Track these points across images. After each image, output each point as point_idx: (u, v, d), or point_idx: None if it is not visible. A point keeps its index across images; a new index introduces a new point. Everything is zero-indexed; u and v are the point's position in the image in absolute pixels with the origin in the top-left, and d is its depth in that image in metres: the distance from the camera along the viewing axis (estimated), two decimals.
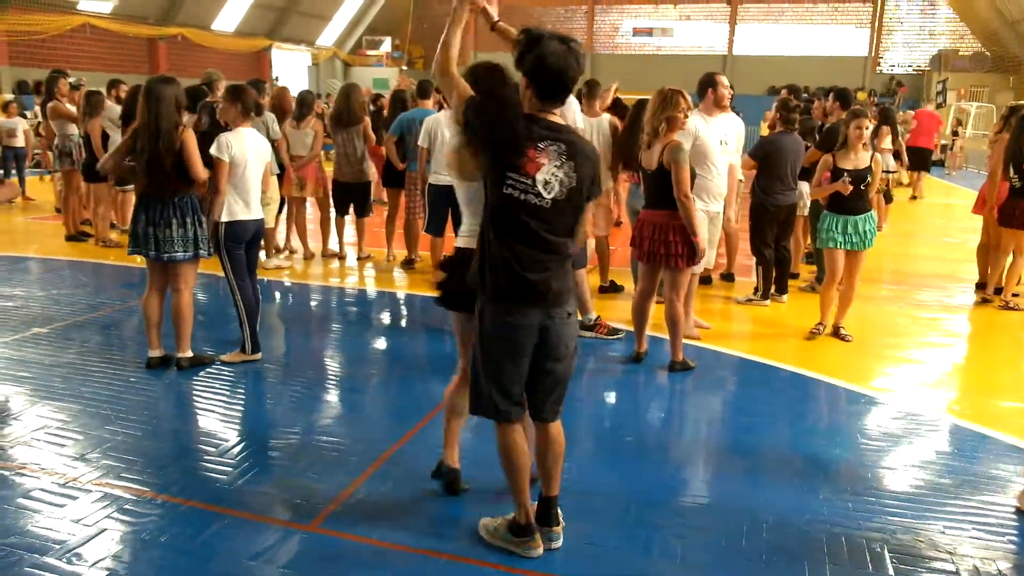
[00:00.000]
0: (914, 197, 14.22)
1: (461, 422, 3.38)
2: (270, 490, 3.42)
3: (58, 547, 2.95)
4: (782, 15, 32.12)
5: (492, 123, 2.73)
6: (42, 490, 3.37)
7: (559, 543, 3.01)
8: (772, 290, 6.65)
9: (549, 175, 2.70)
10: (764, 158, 6.35)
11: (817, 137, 7.13)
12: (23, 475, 3.50)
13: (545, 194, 2.70)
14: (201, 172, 4.58)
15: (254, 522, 3.16)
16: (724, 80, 5.82)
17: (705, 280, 7.21)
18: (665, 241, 4.72)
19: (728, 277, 7.46)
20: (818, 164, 5.71)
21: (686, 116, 4.68)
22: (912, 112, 16.02)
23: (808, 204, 7.12)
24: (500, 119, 2.73)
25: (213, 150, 4.68)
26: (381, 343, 5.70)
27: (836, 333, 5.74)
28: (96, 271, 7.65)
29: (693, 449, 4.09)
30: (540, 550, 2.96)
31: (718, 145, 5.60)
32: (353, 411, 4.53)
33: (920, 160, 13.94)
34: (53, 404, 4.33)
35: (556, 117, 2.79)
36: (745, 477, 3.73)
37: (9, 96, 15.69)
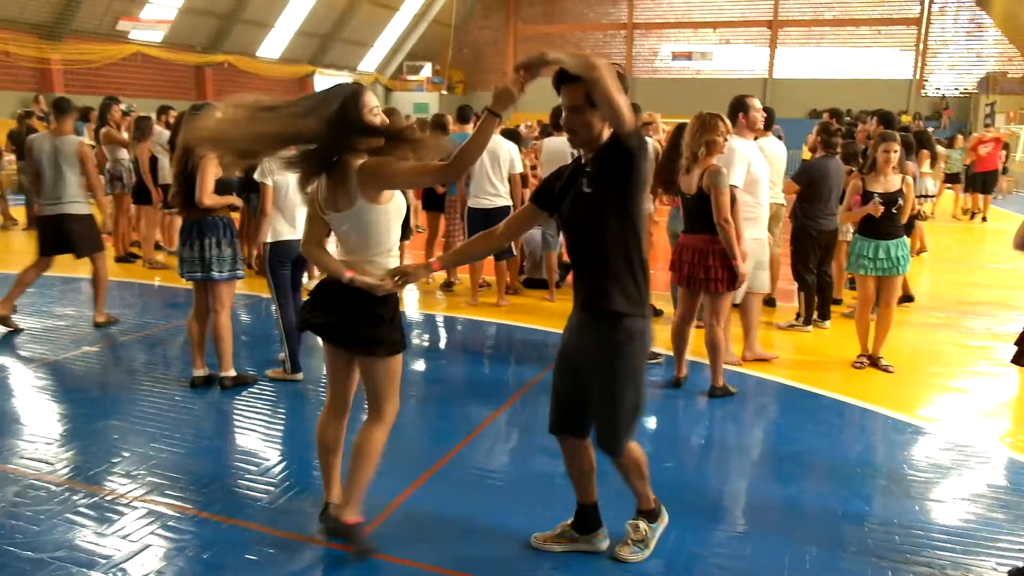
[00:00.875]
0: (984, 219, 14.37)
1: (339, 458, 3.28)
2: (309, 509, 3.44)
3: (104, 562, 3.00)
4: (823, 38, 31.88)
5: None
6: (90, 506, 3.44)
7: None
8: (814, 316, 6.55)
9: None
10: (808, 183, 6.28)
11: (861, 161, 7.03)
12: (72, 491, 3.58)
13: None
14: (205, 197, 4.63)
15: (294, 541, 3.18)
16: (755, 103, 5.76)
17: (769, 303, 7.16)
18: (705, 266, 4.69)
19: (770, 302, 7.36)
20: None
21: (725, 140, 4.67)
22: (976, 135, 15.86)
23: (852, 230, 7.02)
24: None
25: (257, 175, 4.81)
26: (420, 365, 5.73)
27: (876, 364, 5.56)
28: (143, 291, 7.84)
29: (733, 477, 4.02)
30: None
31: (766, 171, 5.56)
32: (392, 432, 4.53)
33: (987, 183, 14.24)
34: (101, 421, 4.43)
35: None
36: (787, 507, 3.66)
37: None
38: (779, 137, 6.93)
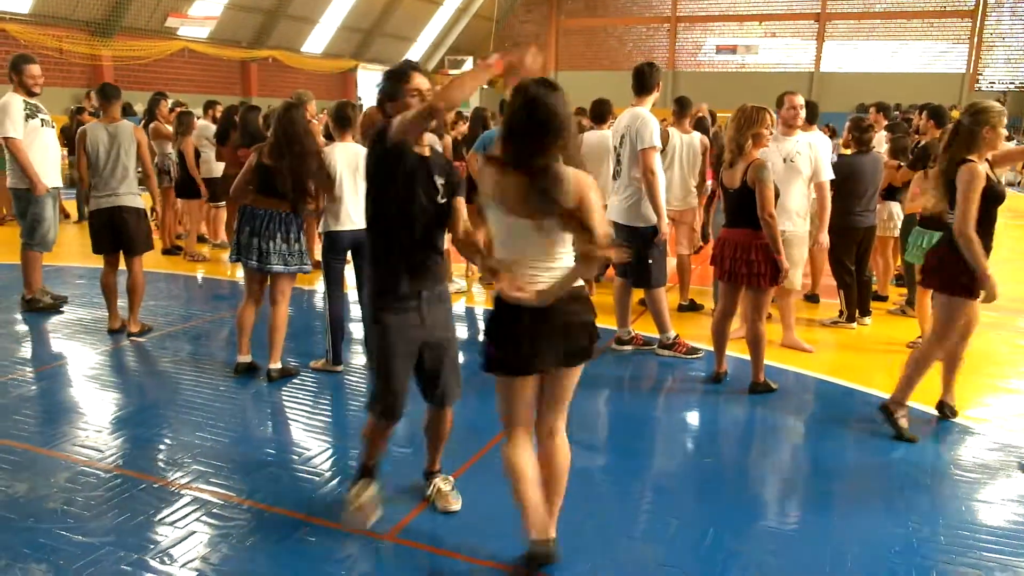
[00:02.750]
0: None
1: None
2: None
3: (152, 548, 3.08)
4: (873, 31, 31.15)
5: None
6: (138, 492, 3.53)
7: None
8: (856, 313, 6.43)
9: None
10: (841, 180, 6.15)
11: (910, 156, 6.87)
12: (121, 478, 3.68)
13: None
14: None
15: (334, 530, 3.23)
16: (793, 99, 5.71)
17: (812, 298, 7.05)
18: (747, 260, 4.63)
19: (812, 298, 7.25)
20: (911, 182, 5.69)
21: (771, 134, 4.61)
22: None
23: (899, 224, 6.88)
24: None
25: None
26: (459, 357, 5.74)
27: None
28: (188, 284, 8.00)
29: (774, 473, 3.98)
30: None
31: (780, 165, 5.53)
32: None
33: None
34: (148, 410, 4.55)
35: None
36: (829, 505, 3.61)
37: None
38: (832, 133, 6.80)
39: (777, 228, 4.52)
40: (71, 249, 9.23)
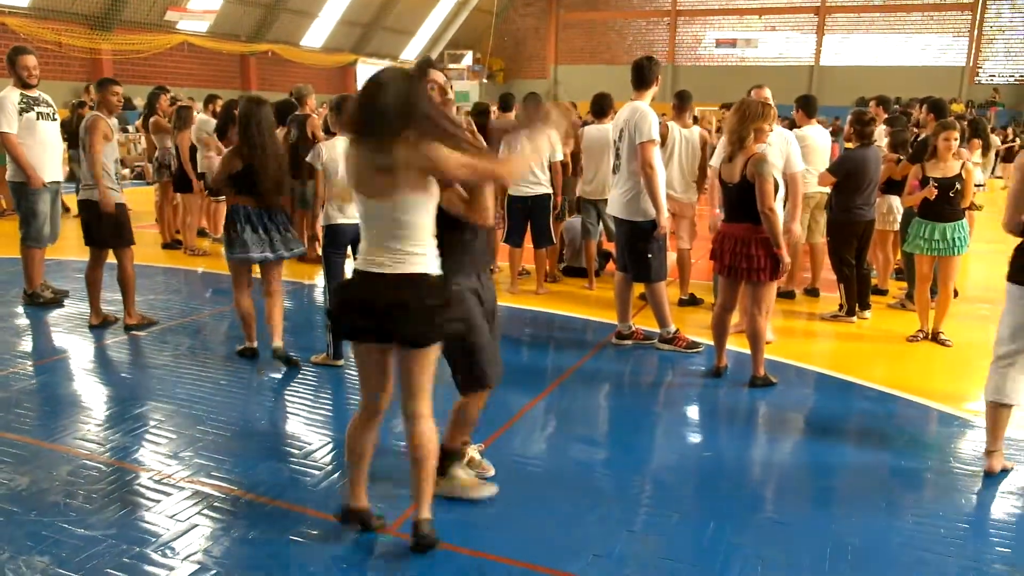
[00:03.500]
0: None
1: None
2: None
3: (154, 540, 3.09)
4: (873, 24, 31.11)
5: None
6: (140, 485, 3.54)
7: None
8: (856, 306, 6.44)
9: None
10: (845, 174, 6.15)
11: (909, 150, 6.87)
12: (122, 470, 3.69)
13: None
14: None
15: (336, 523, 3.23)
16: (761, 93, 5.85)
17: (788, 295, 7.04)
18: (747, 255, 4.63)
19: (813, 292, 7.26)
20: (909, 175, 5.77)
21: (771, 129, 4.61)
22: None
23: (899, 218, 6.89)
24: None
25: (309, 158, 4.95)
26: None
27: (935, 338, 5.84)
28: (188, 278, 8.00)
29: (774, 467, 3.98)
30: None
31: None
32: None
33: None
34: (149, 403, 4.55)
35: None
36: (829, 498, 3.63)
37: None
38: (836, 129, 6.79)
39: (778, 222, 4.53)
40: (71, 243, 9.22)
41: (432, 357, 2.93)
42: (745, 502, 3.54)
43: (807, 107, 6.70)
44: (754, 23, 32.61)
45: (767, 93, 5.84)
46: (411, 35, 33.01)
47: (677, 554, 3.08)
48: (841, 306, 6.47)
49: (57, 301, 6.60)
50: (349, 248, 5.00)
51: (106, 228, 5.79)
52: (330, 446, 4.00)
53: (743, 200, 4.58)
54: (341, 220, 4.90)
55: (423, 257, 2.82)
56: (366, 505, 3.15)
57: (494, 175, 2.90)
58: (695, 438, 4.35)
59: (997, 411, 3.69)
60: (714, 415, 4.64)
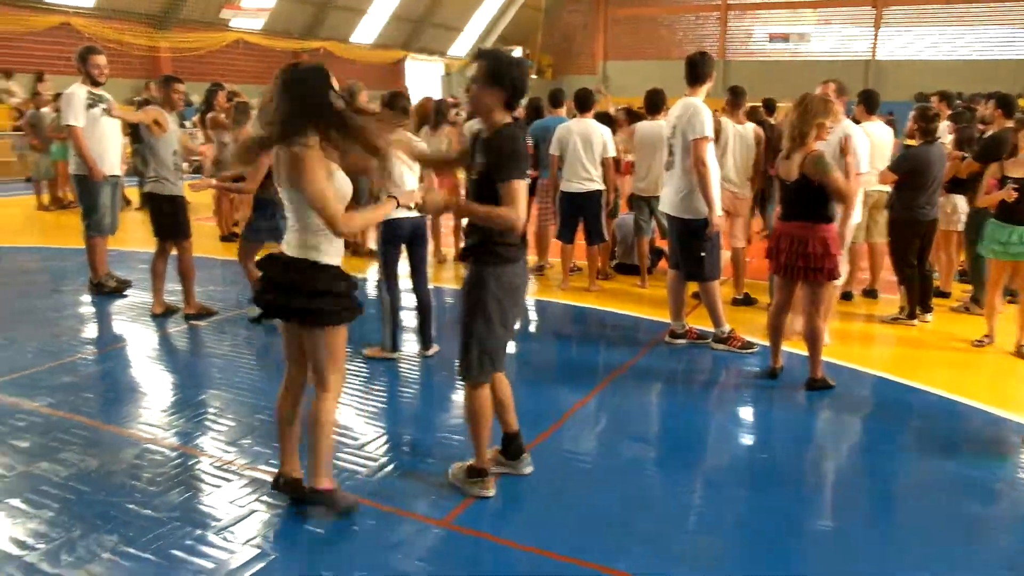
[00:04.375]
0: None
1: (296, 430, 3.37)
2: (406, 484, 3.54)
3: (214, 524, 3.17)
4: (933, 17, 30.22)
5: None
6: (202, 471, 3.63)
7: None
8: (917, 309, 6.27)
9: None
10: (908, 172, 5.99)
11: (975, 148, 6.66)
12: (184, 456, 3.79)
13: None
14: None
15: (391, 514, 3.28)
16: (827, 88, 5.70)
17: (846, 296, 6.90)
18: (804, 254, 4.55)
19: (871, 294, 7.10)
20: (983, 175, 5.54)
21: (832, 125, 4.52)
22: None
23: (963, 219, 6.69)
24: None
25: None
26: (510, 347, 5.77)
27: (1018, 352, 5.53)
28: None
29: (832, 472, 3.91)
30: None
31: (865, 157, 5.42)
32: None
33: None
34: (209, 391, 4.66)
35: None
36: (888, 506, 3.55)
37: None
38: (890, 123, 6.62)
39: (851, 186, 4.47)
40: (134, 234, 9.49)
41: (323, 339, 3.09)
42: (801, 506, 3.48)
43: (869, 102, 6.53)
44: (808, 17, 31.93)
45: (832, 89, 5.69)
46: (459, 31, 33.12)
47: (731, 555, 3.05)
48: (902, 308, 6.31)
49: (120, 290, 6.81)
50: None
51: (167, 220, 5.97)
52: (384, 438, 4.04)
53: (801, 198, 4.50)
54: (399, 215, 4.94)
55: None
56: (296, 474, 3.32)
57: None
58: (749, 440, 4.29)
59: None
60: (769, 417, 4.57)
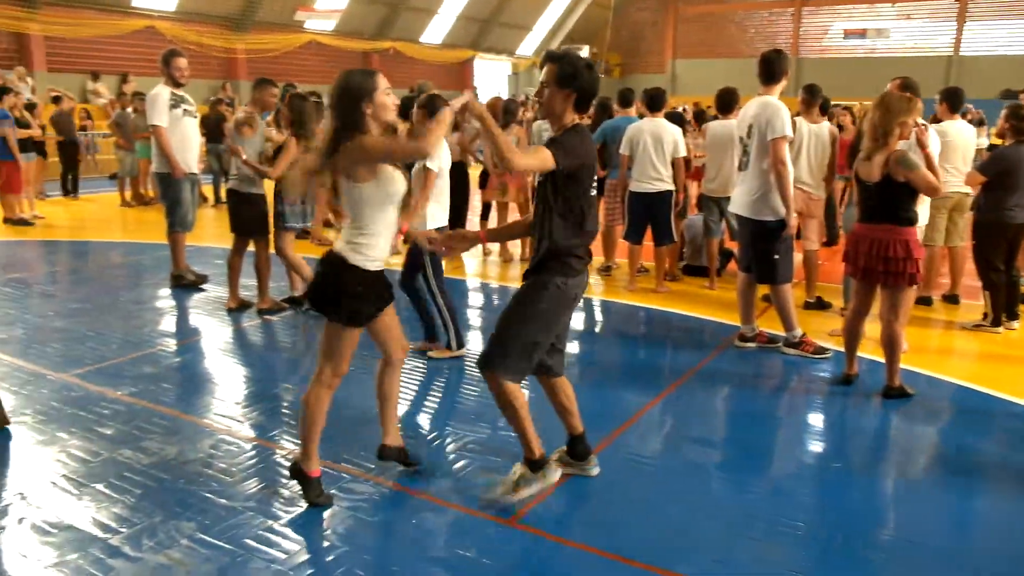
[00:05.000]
0: None
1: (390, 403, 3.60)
2: (473, 482, 3.55)
3: (286, 516, 3.25)
4: (1020, 10, 28.85)
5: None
6: (273, 463, 3.73)
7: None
8: (1003, 316, 6.01)
9: None
10: (998, 173, 5.73)
11: None
12: (258, 447, 3.90)
13: None
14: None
15: (457, 511, 3.30)
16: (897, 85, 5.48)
17: (925, 301, 6.65)
18: (885, 258, 4.40)
19: (952, 299, 6.83)
20: None
21: (915, 123, 4.36)
22: None
23: None
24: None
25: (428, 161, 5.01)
26: (574, 347, 5.76)
27: None
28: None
29: (911, 483, 3.77)
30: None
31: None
32: (549, 416, 4.59)
33: None
34: (282, 384, 4.79)
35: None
36: (971, 521, 3.41)
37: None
38: (980, 122, 6.34)
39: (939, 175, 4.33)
40: (210, 231, 9.80)
41: (327, 330, 3.22)
42: (877, 518, 3.38)
43: (952, 100, 6.28)
44: (886, 11, 30.87)
45: (896, 86, 5.49)
46: (528, 30, 33.16)
47: (802, 566, 2.97)
48: (985, 315, 6.05)
49: (197, 284, 7.05)
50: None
51: (249, 218, 6.16)
52: (454, 437, 4.08)
53: (883, 200, 4.35)
54: (440, 224, 5.04)
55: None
56: (396, 443, 3.58)
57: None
58: (822, 447, 4.17)
59: None
60: (843, 424, 4.44)
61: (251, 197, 6.17)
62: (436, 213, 5.06)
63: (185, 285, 7.02)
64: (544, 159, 3.02)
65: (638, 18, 35.39)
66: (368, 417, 4.31)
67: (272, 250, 6.28)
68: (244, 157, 5.97)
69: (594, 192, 3.24)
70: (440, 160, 4.98)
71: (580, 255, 3.22)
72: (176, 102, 6.78)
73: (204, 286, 7.10)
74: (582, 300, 7.04)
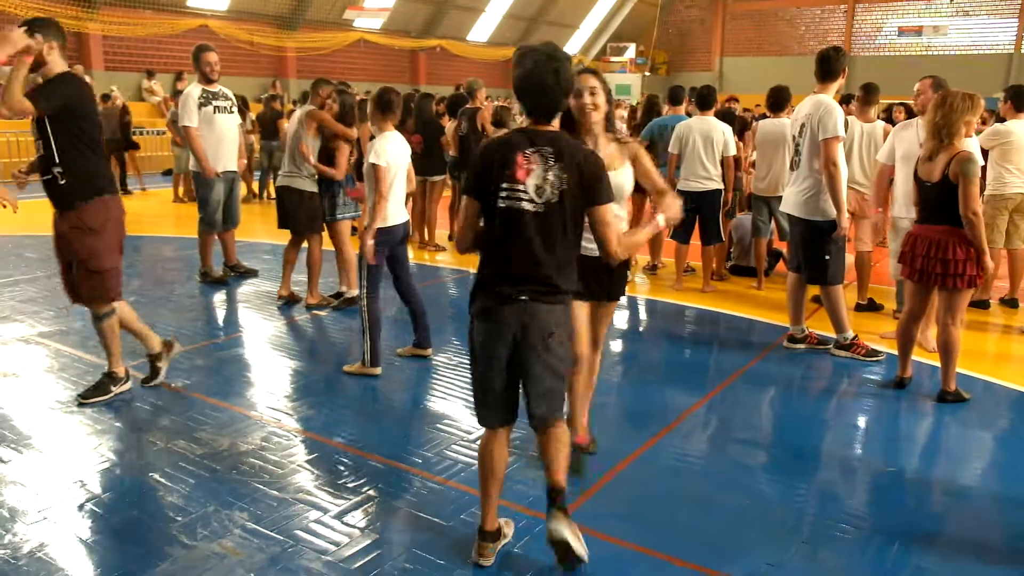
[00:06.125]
0: None
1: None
2: (517, 479, 3.55)
3: (333, 508, 3.29)
4: None
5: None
6: (321, 456, 3.78)
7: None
8: None
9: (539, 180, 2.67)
10: None
11: None
12: (307, 440, 3.96)
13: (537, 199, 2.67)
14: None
15: (504, 508, 3.29)
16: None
17: (981, 304, 6.47)
18: (943, 259, 4.30)
19: (1011, 303, 6.63)
20: None
21: (978, 122, 4.25)
22: None
23: None
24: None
25: (373, 157, 4.66)
26: (617, 346, 5.73)
27: None
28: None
29: (969, 490, 3.67)
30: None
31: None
32: (597, 413, 4.57)
33: None
34: (326, 378, 4.85)
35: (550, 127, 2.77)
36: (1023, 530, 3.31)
37: (291, 106, 17.66)
38: None
39: (982, 227, 4.17)
40: (260, 226, 9.97)
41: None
42: (934, 524, 3.30)
43: (1018, 99, 6.10)
44: (943, 8, 30.06)
45: (927, 85, 5.40)
46: (574, 28, 33.06)
47: (856, 572, 2.92)
48: None
49: (224, 280, 7.13)
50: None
51: (301, 215, 6.25)
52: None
53: (941, 200, 4.25)
54: (397, 221, 4.78)
55: None
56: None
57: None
58: (874, 451, 4.09)
59: None
60: (896, 428, 4.35)
61: (301, 193, 6.24)
62: (391, 211, 4.72)
63: (211, 281, 7.08)
64: None
65: (686, 15, 35.06)
66: (410, 413, 4.36)
67: (329, 245, 6.36)
68: (313, 160, 6.05)
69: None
70: (388, 155, 4.62)
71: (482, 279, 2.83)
72: (207, 99, 6.73)
73: (253, 280, 7.22)
74: (625, 299, 7.00)
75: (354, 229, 9.71)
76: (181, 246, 9.11)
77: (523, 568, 2.92)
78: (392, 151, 4.67)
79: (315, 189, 6.25)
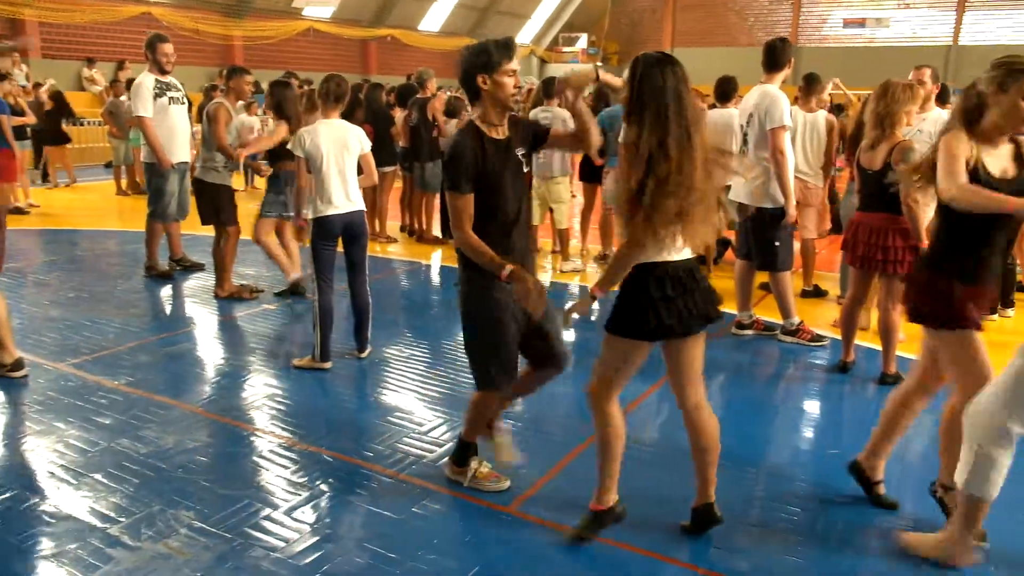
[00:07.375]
0: None
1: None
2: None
3: (283, 504, 3.25)
4: None
5: None
6: (271, 451, 3.73)
7: None
8: (999, 305, 6.01)
9: None
10: None
11: None
12: (256, 436, 3.90)
13: None
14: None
15: (457, 499, 3.31)
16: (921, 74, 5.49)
17: None
18: (883, 246, 4.41)
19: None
20: None
21: (916, 112, 4.36)
22: None
23: None
24: None
25: (290, 145, 4.85)
26: (570, 336, 5.76)
27: None
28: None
29: (907, 468, 3.79)
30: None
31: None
32: (552, 402, 4.59)
33: None
34: (274, 374, 4.78)
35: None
36: None
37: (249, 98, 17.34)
38: None
39: (922, 214, 4.28)
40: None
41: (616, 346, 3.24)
42: (872, 509, 3.38)
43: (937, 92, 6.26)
44: (886, 1, 30.76)
45: (927, 75, 5.51)
46: (526, 18, 33.03)
47: (802, 552, 2.99)
48: None
49: (169, 275, 6.99)
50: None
51: (206, 207, 6.26)
52: (446, 424, 4.08)
53: (884, 189, 4.34)
54: (330, 211, 4.63)
55: None
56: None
57: None
58: (818, 434, 4.19)
59: None
60: (839, 411, 4.46)
61: (215, 187, 6.21)
62: (320, 202, 4.63)
63: (155, 276, 6.95)
64: None
65: (637, 5, 35.22)
66: (358, 406, 4.33)
67: (252, 237, 6.31)
68: (238, 152, 5.99)
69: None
70: (307, 143, 4.56)
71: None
72: (161, 90, 6.61)
73: (199, 274, 7.08)
74: (572, 288, 7.06)
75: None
76: (125, 240, 8.89)
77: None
78: (314, 140, 4.56)
79: (228, 183, 6.25)
